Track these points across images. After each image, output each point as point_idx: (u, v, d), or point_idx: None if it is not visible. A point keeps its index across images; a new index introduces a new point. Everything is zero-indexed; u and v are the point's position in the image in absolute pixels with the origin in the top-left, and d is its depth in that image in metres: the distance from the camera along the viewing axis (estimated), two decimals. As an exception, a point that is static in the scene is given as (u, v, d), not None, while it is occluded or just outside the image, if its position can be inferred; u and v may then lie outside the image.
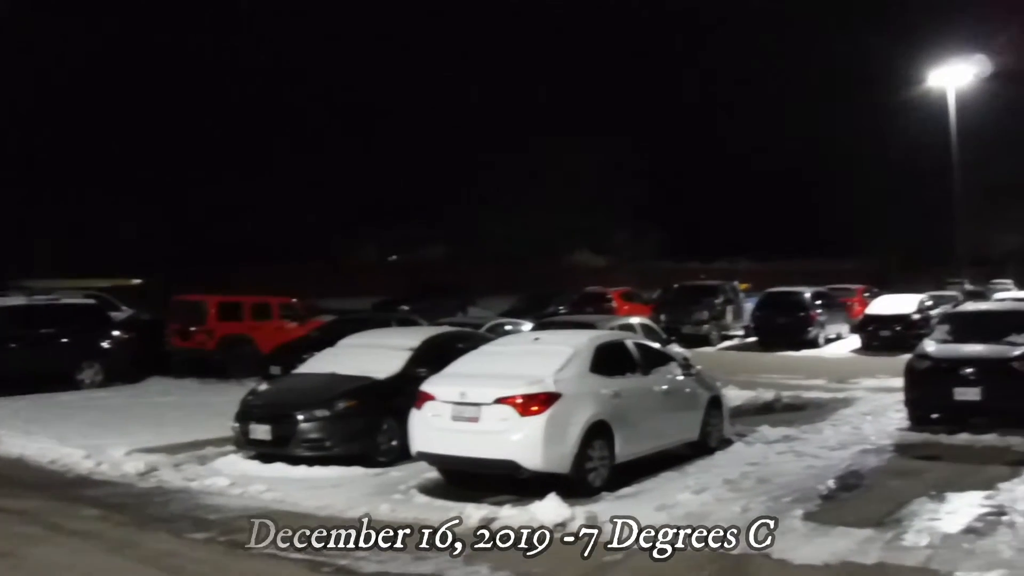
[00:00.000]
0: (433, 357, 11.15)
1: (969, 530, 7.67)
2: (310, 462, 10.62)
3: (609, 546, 7.38)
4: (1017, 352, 12.64)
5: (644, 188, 48.61)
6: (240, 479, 10.02)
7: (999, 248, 64.56)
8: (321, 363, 12.19)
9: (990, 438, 11.78)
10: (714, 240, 55.07)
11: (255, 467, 10.79)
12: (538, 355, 9.94)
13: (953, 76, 35.54)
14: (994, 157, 55.19)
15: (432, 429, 9.46)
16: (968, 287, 39.75)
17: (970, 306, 17.06)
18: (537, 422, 8.87)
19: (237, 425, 11.17)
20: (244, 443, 11.15)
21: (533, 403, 8.94)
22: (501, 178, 48.00)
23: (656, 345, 12.49)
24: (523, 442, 8.89)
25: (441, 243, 53.22)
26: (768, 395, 15.90)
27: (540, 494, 8.30)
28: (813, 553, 7.06)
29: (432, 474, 10.08)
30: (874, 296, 30.39)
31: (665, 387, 10.71)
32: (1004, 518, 7.99)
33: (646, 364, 10.63)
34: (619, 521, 7.93)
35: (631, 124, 52.09)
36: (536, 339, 11.17)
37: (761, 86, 59.81)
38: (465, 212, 50.03)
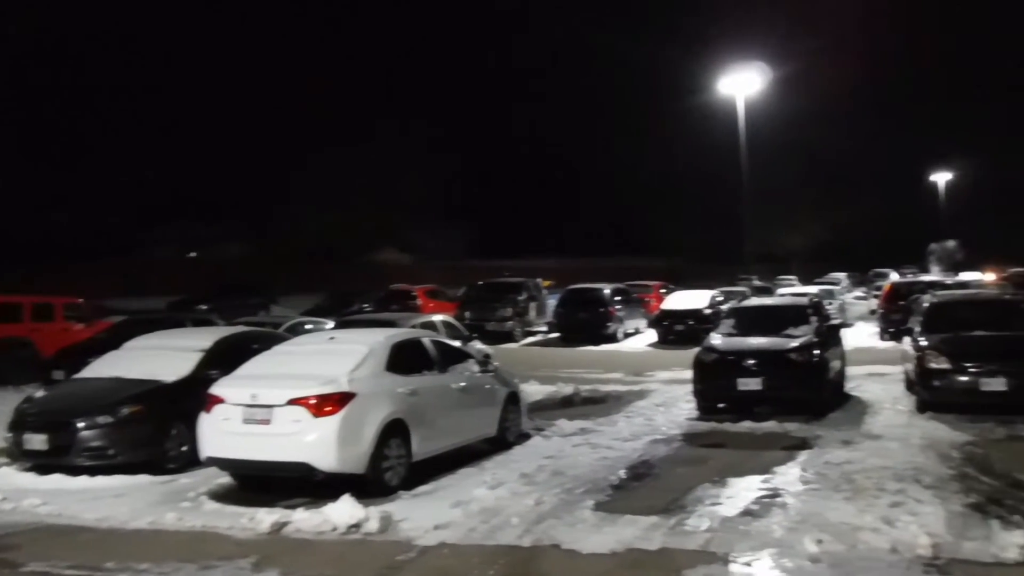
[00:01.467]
0: (226, 358, 10.77)
1: (746, 512, 8.07)
2: (92, 472, 10.07)
3: (403, 545, 7.37)
4: (794, 344, 13.50)
5: (452, 187, 48.96)
6: (12, 493, 9.38)
7: (784, 246, 68.81)
8: (105, 367, 11.55)
9: (770, 425, 12.44)
10: (521, 239, 56.02)
11: (30, 480, 10.15)
12: (333, 354, 9.78)
13: (742, 84, 37.56)
14: (781, 162, 58.78)
15: (222, 433, 9.13)
16: (757, 283, 42.06)
17: (753, 301, 18.05)
18: (331, 423, 8.72)
19: (10, 435, 10.46)
20: (18, 455, 10.46)
21: (327, 403, 8.78)
22: (309, 176, 47.18)
23: (455, 343, 12.55)
24: (317, 443, 8.73)
25: (245, 241, 51.80)
26: (568, 389, 16.22)
27: (335, 496, 8.17)
28: (601, 542, 7.26)
29: (225, 480, 9.75)
30: (670, 292, 31.56)
31: (463, 384, 10.76)
32: (778, 500, 8.47)
33: (444, 362, 10.65)
34: (414, 519, 7.95)
35: (439, 124, 52.33)
36: (331, 338, 10.99)
37: (570, 89, 61.33)
38: (271, 210, 48.91)
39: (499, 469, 10.05)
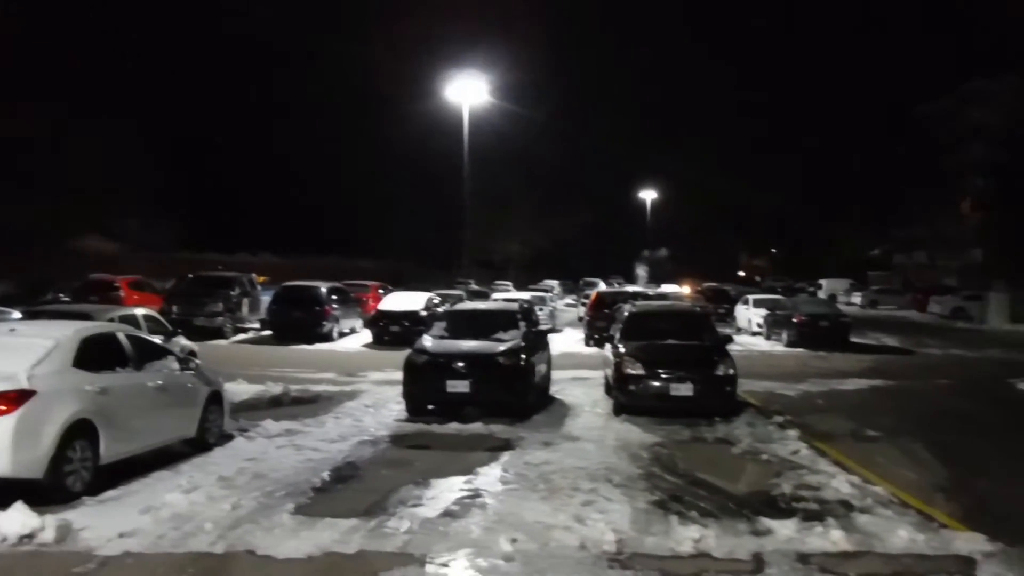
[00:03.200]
0: None
1: (446, 513, 8.14)
2: None
3: (82, 555, 6.84)
4: (502, 348, 13.85)
5: (163, 175, 46.40)
6: None
7: (502, 253, 70.92)
8: None
9: (476, 427, 12.67)
10: (238, 234, 54.14)
11: None
12: (12, 349, 8.90)
13: (468, 92, 38.24)
14: (503, 170, 60.51)
15: None
16: (473, 287, 43.05)
17: (465, 305, 18.37)
18: (5, 424, 7.93)
19: None
20: None
21: (2, 402, 8.00)
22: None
23: (155, 338, 11.88)
24: (-12, 445, 7.92)
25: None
26: (277, 389, 15.77)
27: (6, 503, 7.45)
28: (297, 547, 7.08)
29: None
30: (388, 293, 31.60)
31: (160, 382, 10.15)
32: (478, 500, 8.62)
33: (140, 358, 10.01)
34: (97, 527, 7.41)
35: (156, 111, 49.53)
36: (12, 330, 10.02)
37: (299, 88, 59.95)
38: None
39: (196, 472, 9.58)
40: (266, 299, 28.85)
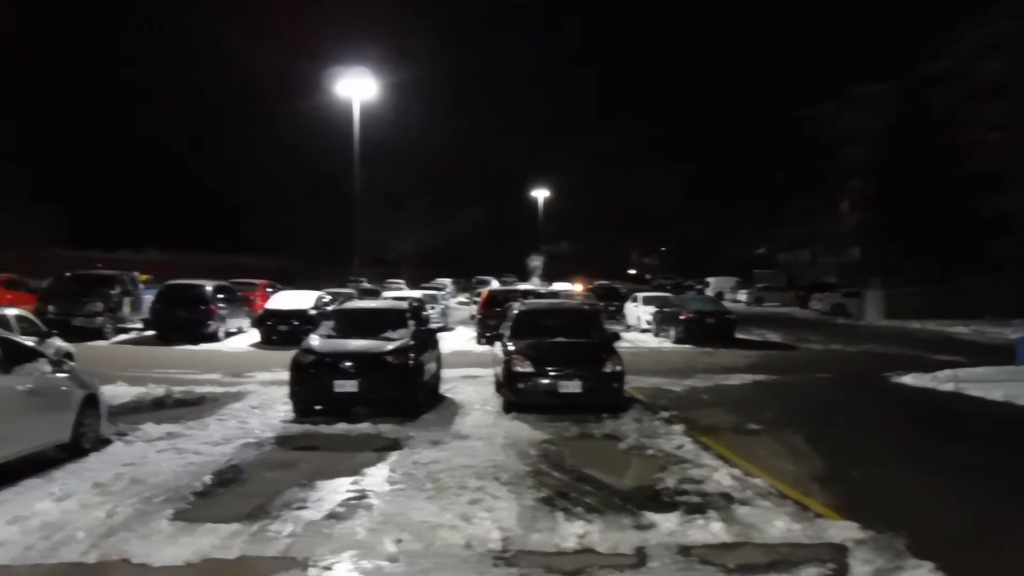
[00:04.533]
0: None
1: (331, 515, 8.04)
2: None
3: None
4: (390, 347, 13.76)
5: (38, 169, 44.54)
6: None
7: (395, 251, 70.50)
8: None
9: (364, 427, 12.55)
10: (119, 230, 52.30)
11: None
12: None
13: (359, 88, 37.87)
14: (395, 167, 60.11)
15: None
16: (365, 286, 42.65)
17: (353, 304, 18.17)
18: None
19: None
20: None
21: None
22: None
23: (27, 340, 11.41)
24: None
25: None
26: (159, 391, 15.34)
27: None
28: (176, 554, 6.89)
29: None
30: (276, 292, 31.05)
31: (30, 386, 9.71)
32: (364, 501, 8.54)
33: (8, 361, 9.57)
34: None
35: (28, 100, 47.42)
36: None
37: (180, 83, 58.15)
38: None
39: (70, 479, 9.23)
40: (149, 298, 27.98)
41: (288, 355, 14.50)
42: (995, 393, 16.84)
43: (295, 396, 13.61)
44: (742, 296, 62.82)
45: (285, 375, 14.26)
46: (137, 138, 53.04)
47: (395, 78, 42.47)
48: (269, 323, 26.39)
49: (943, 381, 18.69)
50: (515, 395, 13.97)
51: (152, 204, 54.82)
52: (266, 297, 30.84)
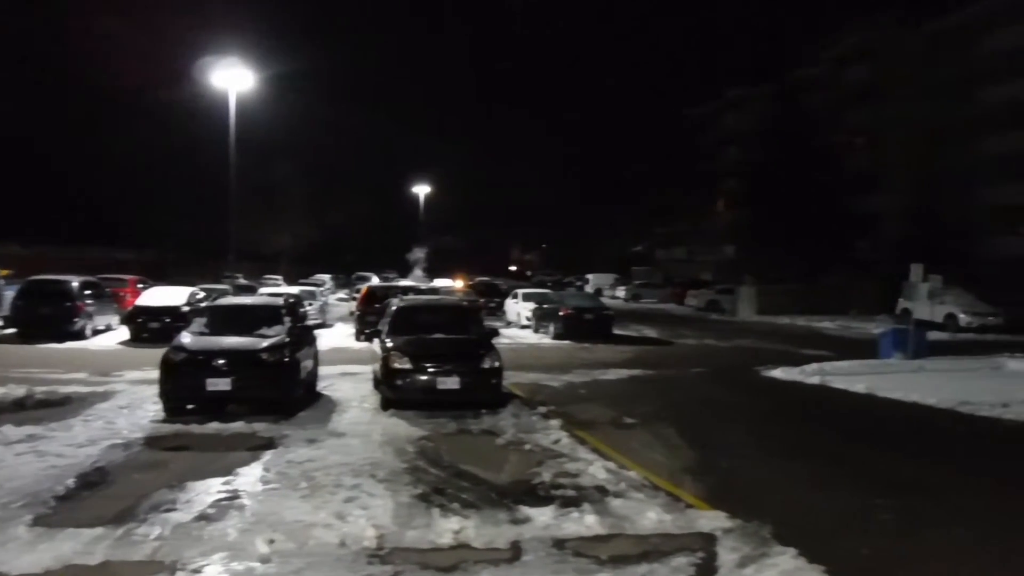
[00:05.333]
0: None
1: (201, 517, 7.83)
2: None
3: None
4: (265, 344, 13.50)
5: None
6: None
7: (273, 246, 69.20)
8: None
9: (238, 425, 12.28)
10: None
11: None
12: None
13: (235, 78, 36.95)
14: (270, 160, 58.95)
15: None
16: (242, 282, 41.75)
17: (227, 300, 17.78)
18: None
19: None
20: None
21: None
22: None
23: None
24: None
25: None
26: (20, 391, 14.67)
27: None
28: (35, 560, 6.63)
29: None
30: (148, 288, 30.11)
31: None
32: (236, 502, 8.36)
33: None
34: None
35: None
36: None
37: (43, 64, 55.69)
38: None
39: (-80, 484, 8.77)
40: (8, 294, 26.72)
41: (159, 353, 14.05)
42: (858, 385, 17.64)
43: (166, 395, 13.21)
44: (620, 293, 63.87)
45: (156, 374, 13.82)
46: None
47: (272, 69, 41.65)
48: (139, 320, 25.51)
49: (810, 374, 19.45)
50: (393, 392, 13.89)
51: (13, 196, 52.33)
52: (137, 293, 29.81)
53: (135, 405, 14.00)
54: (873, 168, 55.11)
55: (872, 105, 55.46)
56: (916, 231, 47.15)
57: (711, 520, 7.85)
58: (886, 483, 9.62)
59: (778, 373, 20.08)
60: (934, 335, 27.39)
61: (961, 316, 35.94)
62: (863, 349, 24.86)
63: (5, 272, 29.59)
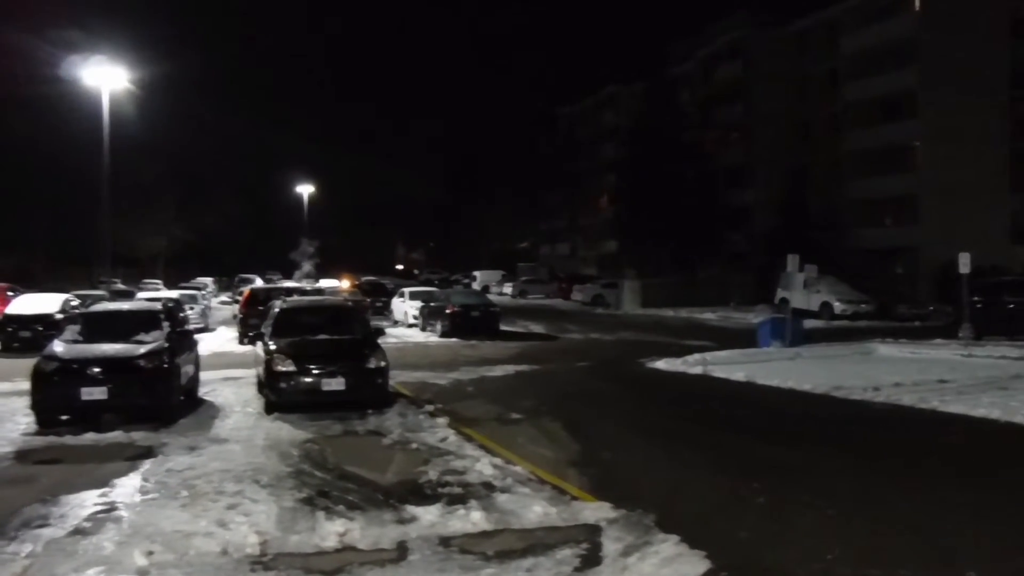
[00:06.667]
0: None
1: (76, 531, 7.58)
2: None
3: None
4: (142, 351, 13.14)
5: None
6: None
7: (150, 249, 67.27)
8: None
9: (116, 435, 11.95)
10: None
11: None
12: None
13: (106, 77, 35.66)
14: (141, 161, 57.20)
15: None
16: (119, 287, 40.52)
17: (102, 306, 17.22)
18: None
19: None
20: None
21: None
22: None
23: None
24: None
25: None
26: None
27: None
28: None
29: None
30: (18, 295, 28.98)
31: None
32: (113, 514, 8.11)
33: None
34: None
35: None
36: None
37: None
38: None
39: None
40: None
41: (30, 363, 13.55)
42: (738, 374, 18.20)
43: (37, 406, 12.72)
44: (507, 289, 64.29)
45: (26, 384, 13.31)
46: None
47: (143, 69, 40.17)
48: (9, 329, 24.63)
49: (692, 365, 19.96)
50: (277, 395, 13.71)
51: None
52: (6, 301, 28.66)
53: (4, 418, 13.52)
54: (744, 163, 56.84)
55: (742, 101, 57.15)
56: (785, 223, 48.80)
57: (595, 511, 7.97)
58: (762, 467, 9.93)
59: (661, 364, 20.55)
60: (810, 323, 28.38)
61: (836, 304, 37.38)
62: (743, 339, 25.62)
63: None
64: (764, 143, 55.48)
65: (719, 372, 18.80)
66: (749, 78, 56.85)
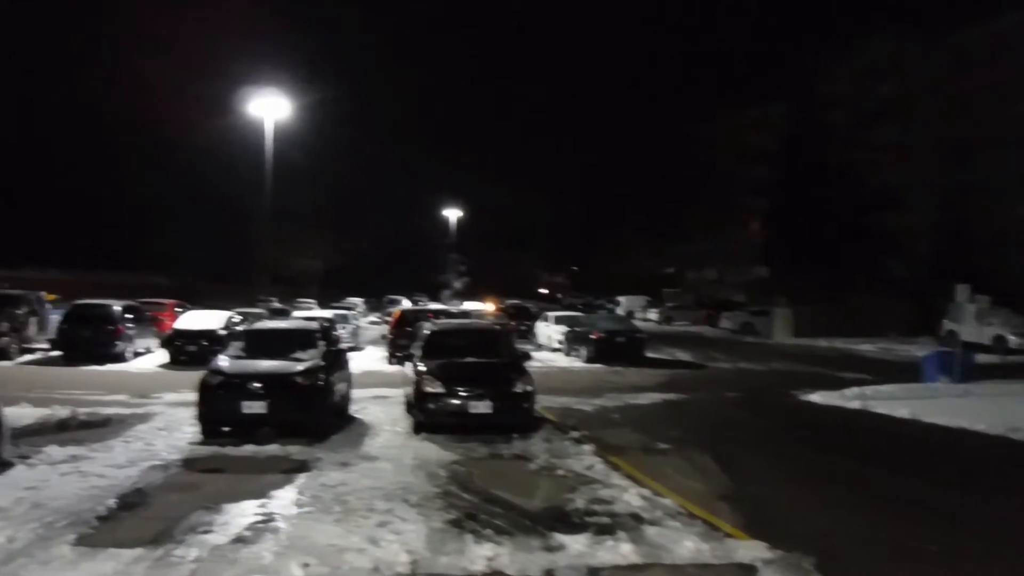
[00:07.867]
0: None
1: (237, 539, 7.93)
2: None
3: None
4: (299, 368, 13.63)
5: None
6: None
7: (304, 269, 69.83)
8: None
9: (272, 448, 12.42)
10: (24, 249, 50.70)
11: None
12: None
13: (271, 107, 37.24)
14: (302, 186, 59.57)
15: None
16: (276, 305, 42.12)
17: (263, 324, 17.96)
18: None
19: None
20: None
21: None
22: None
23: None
24: None
25: None
26: (64, 412, 14.96)
27: None
28: (76, 581, 6.74)
29: None
30: (185, 311, 30.53)
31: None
32: (271, 524, 8.44)
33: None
34: None
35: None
36: None
37: (80, 97, 56.39)
38: None
39: (-31, 504, 8.94)
40: (55, 318, 27.30)
41: (195, 376, 14.27)
42: (901, 411, 17.36)
43: (202, 417, 13.37)
44: (652, 315, 63.67)
45: (193, 396, 13.98)
46: (36, 157, 51.65)
47: (299, 98, 41.82)
48: (178, 343, 25.93)
49: (850, 399, 19.20)
50: (424, 415, 13.98)
51: (55, 224, 53.18)
52: (174, 317, 30.24)
53: (173, 427, 14.20)
54: (899, 184, 54.51)
55: (899, 119, 54.95)
56: (946, 248, 46.50)
57: (750, 550, 7.75)
58: (932, 513, 9.52)
59: (816, 397, 19.92)
60: (982, 357, 26.90)
61: (1011, 338, 35.06)
62: (905, 372, 24.55)
63: (52, 297, 30.18)
64: (921, 163, 53.22)
65: (880, 408, 17.98)
66: (905, 95, 54.71)
